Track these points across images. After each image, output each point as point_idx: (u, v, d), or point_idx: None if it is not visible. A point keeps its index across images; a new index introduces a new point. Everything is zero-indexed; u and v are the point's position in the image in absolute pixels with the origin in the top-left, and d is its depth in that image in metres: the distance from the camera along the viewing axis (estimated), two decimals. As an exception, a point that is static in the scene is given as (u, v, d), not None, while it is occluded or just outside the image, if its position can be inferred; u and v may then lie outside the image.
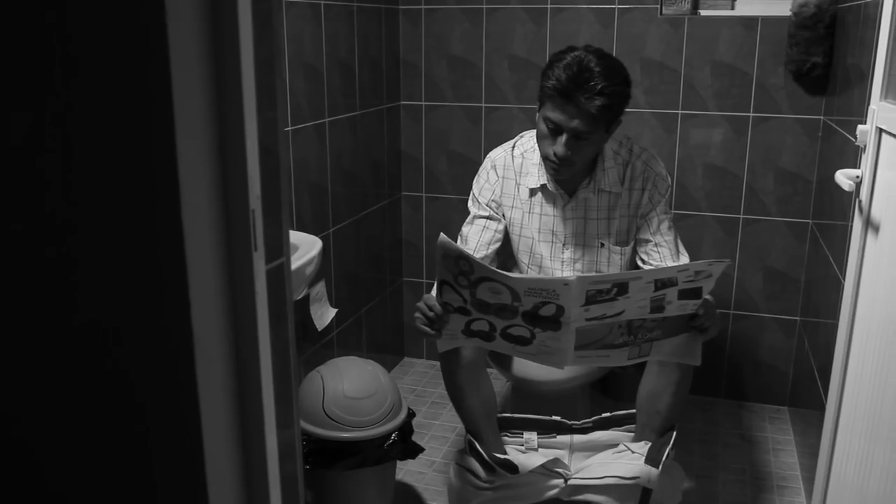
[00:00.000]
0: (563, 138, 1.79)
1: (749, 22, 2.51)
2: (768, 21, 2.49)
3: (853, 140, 1.61)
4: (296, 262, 1.64)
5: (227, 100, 0.70)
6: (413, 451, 1.98)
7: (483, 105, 2.82)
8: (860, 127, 1.55)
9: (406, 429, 1.97)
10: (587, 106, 1.74)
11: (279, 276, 0.80)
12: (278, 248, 0.80)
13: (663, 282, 1.57)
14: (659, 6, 2.58)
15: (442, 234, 1.59)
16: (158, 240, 0.68)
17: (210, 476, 0.74)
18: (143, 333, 0.71)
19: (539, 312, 1.57)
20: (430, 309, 1.69)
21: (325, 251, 2.36)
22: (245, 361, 0.77)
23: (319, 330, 2.37)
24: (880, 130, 1.47)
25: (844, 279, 1.66)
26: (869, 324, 1.49)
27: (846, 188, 1.57)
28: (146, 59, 0.64)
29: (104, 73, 0.66)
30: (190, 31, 0.66)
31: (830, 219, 2.21)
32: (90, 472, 0.77)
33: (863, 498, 1.43)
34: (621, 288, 1.54)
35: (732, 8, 2.58)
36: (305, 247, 1.75)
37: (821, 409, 1.84)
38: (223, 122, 0.70)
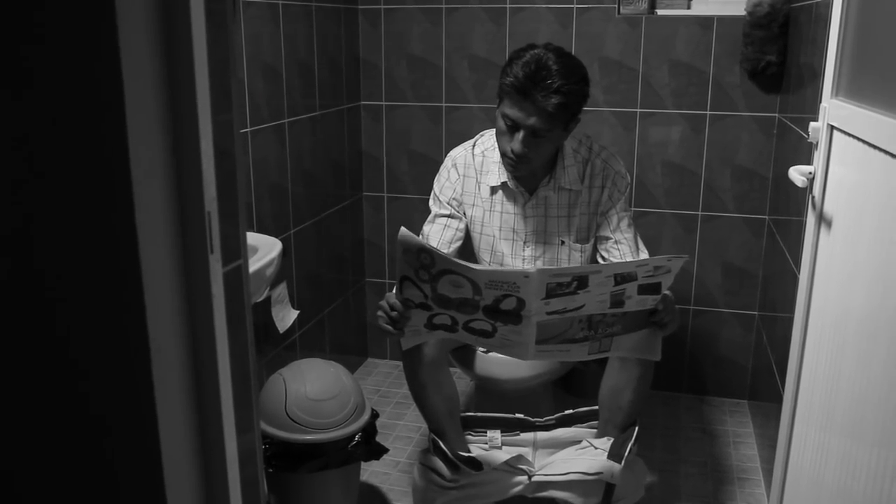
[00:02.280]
0: (521, 135, 1.80)
1: (705, 21, 2.55)
2: (724, 20, 2.53)
3: (807, 137, 1.64)
4: (255, 265, 1.63)
5: (181, 101, 0.69)
6: (377, 451, 1.98)
7: (443, 104, 2.82)
8: (812, 124, 1.58)
9: (370, 430, 1.96)
10: (544, 104, 1.75)
11: (237, 278, 0.79)
12: (236, 251, 0.79)
13: (623, 276, 1.59)
14: (616, 6, 2.60)
15: (403, 227, 1.59)
16: (112, 243, 0.67)
17: (168, 481, 0.73)
18: (98, 338, 0.70)
19: (500, 306, 1.58)
20: (392, 308, 1.69)
21: (286, 253, 2.34)
22: (203, 365, 0.76)
23: (281, 332, 2.36)
24: (831, 127, 1.50)
25: (800, 274, 1.69)
26: (823, 317, 1.52)
27: (799, 184, 1.60)
28: (95, 60, 0.63)
29: (51, 75, 0.65)
30: (141, 32, 0.65)
31: (786, 215, 2.25)
32: (46, 479, 0.76)
33: (819, 487, 1.46)
34: (581, 281, 1.55)
35: (688, 7, 2.61)
36: (265, 248, 1.74)
37: (779, 401, 1.87)
38: (177, 124, 0.69)
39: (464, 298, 1.59)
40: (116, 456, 0.74)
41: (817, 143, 1.56)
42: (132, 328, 0.68)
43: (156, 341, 0.69)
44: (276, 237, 2.17)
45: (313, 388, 1.90)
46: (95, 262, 0.68)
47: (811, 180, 1.60)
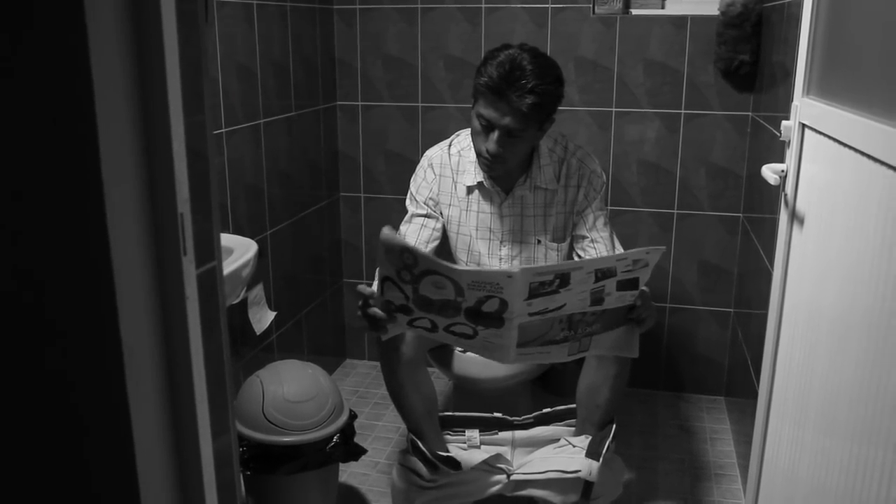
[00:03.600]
0: (496, 135, 1.80)
1: (679, 21, 2.57)
2: (697, 20, 2.55)
3: (779, 135, 1.66)
4: (230, 266, 1.62)
5: (153, 102, 0.68)
6: (356, 452, 1.97)
7: (420, 104, 2.82)
8: (784, 122, 1.59)
9: (348, 431, 1.96)
10: (518, 104, 1.75)
11: (211, 279, 0.79)
12: (209, 252, 0.79)
13: (603, 272, 1.59)
14: (591, 5, 2.61)
15: (385, 227, 1.59)
16: (82, 245, 0.66)
17: (143, 484, 0.73)
18: (70, 341, 0.70)
19: (482, 308, 1.58)
20: (370, 306, 1.68)
21: (262, 254, 2.33)
22: (177, 367, 0.75)
23: (258, 334, 2.34)
24: (803, 126, 1.51)
25: (773, 271, 1.71)
26: (796, 314, 1.54)
27: (772, 182, 1.62)
28: (65, 61, 0.63)
29: (18, 74, 0.64)
30: (111, 32, 0.64)
31: (759, 212, 2.27)
32: (19, 483, 0.75)
33: (794, 482, 1.47)
34: (563, 279, 1.55)
35: (663, 7, 2.63)
36: (240, 250, 1.73)
37: (755, 397, 1.89)
38: (149, 125, 0.69)
39: (446, 300, 1.58)
40: (90, 459, 0.73)
41: (789, 141, 1.58)
42: (104, 331, 0.68)
43: (128, 344, 0.69)
44: (253, 238, 2.15)
45: (291, 389, 1.89)
46: (66, 264, 0.68)
47: (783, 178, 1.61)
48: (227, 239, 1.81)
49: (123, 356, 0.68)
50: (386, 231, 1.57)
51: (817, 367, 1.35)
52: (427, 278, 1.57)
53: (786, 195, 1.60)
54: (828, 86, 1.43)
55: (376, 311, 1.66)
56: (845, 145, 1.23)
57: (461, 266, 1.54)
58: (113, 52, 0.65)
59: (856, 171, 1.18)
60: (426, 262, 1.56)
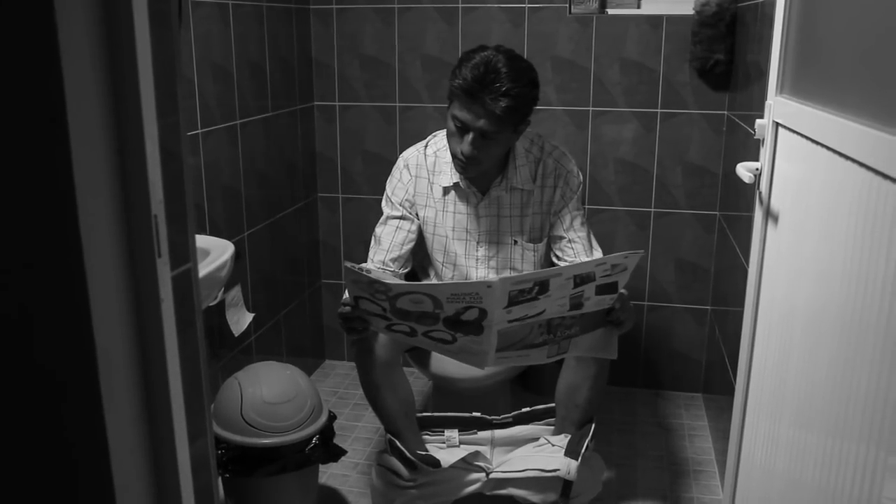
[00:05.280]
0: (470, 137, 1.80)
1: (654, 20, 2.58)
2: (673, 19, 2.57)
3: (754, 134, 1.67)
4: (207, 268, 1.60)
5: (126, 103, 0.68)
6: (335, 454, 1.97)
7: (397, 104, 2.82)
8: (758, 121, 1.60)
9: (327, 432, 1.95)
10: (492, 107, 1.76)
11: (186, 281, 0.78)
12: (184, 254, 0.78)
13: (582, 277, 1.59)
14: (568, 5, 2.62)
15: (347, 262, 1.58)
16: (55, 248, 0.66)
17: (119, 490, 0.72)
18: (43, 345, 0.69)
19: (461, 318, 1.57)
20: (349, 313, 1.68)
21: (239, 255, 2.31)
22: (153, 371, 0.75)
23: (236, 335, 2.33)
24: (777, 124, 1.53)
25: (749, 269, 1.72)
26: (772, 311, 1.55)
27: (746, 180, 1.63)
28: (35, 62, 0.62)
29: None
30: (82, 33, 0.64)
31: (735, 210, 2.29)
32: (-10, 492, 0.74)
33: (770, 477, 1.49)
34: (542, 287, 1.55)
35: (638, 7, 2.64)
36: (217, 251, 1.72)
37: (732, 394, 1.90)
38: (122, 127, 0.68)
39: (424, 312, 1.58)
40: (64, 463, 0.72)
41: (763, 139, 1.59)
42: (78, 334, 0.67)
43: (103, 347, 0.68)
44: (230, 240, 2.14)
45: (269, 391, 1.88)
46: (38, 267, 0.67)
47: (758, 176, 1.63)
48: (203, 240, 1.80)
49: (97, 360, 0.68)
50: (348, 266, 1.55)
51: (792, 364, 1.36)
52: (404, 297, 1.56)
53: (760, 193, 1.62)
54: (801, 84, 1.44)
55: (347, 309, 1.66)
56: (818, 143, 1.24)
57: (439, 276, 1.54)
58: (84, 53, 0.64)
59: (829, 169, 1.19)
60: (399, 288, 1.56)
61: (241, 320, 2.34)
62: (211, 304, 2.18)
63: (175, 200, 0.75)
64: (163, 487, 0.78)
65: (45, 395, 0.70)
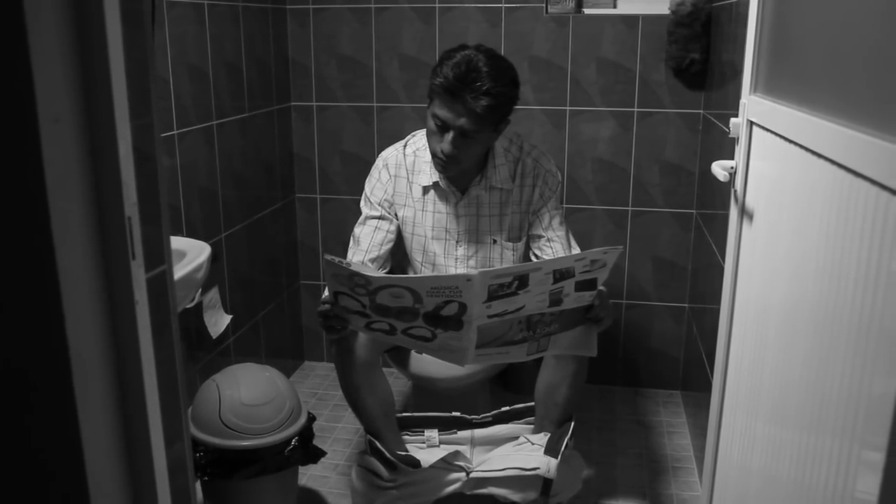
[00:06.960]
0: (450, 136, 1.81)
1: (630, 20, 2.59)
2: (648, 19, 2.58)
3: (729, 132, 1.68)
4: (183, 269, 1.59)
5: (98, 104, 0.67)
6: (315, 455, 1.96)
7: (375, 104, 2.82)
8: (733, 120, 1.62)
9: (307, 433, 1.94)
10: (473, 105, 1.76)
11: (161, 284, 0.77)
12: (159, 256, 0.78)
13: (561, 273, 1.60)
14: (544, 5, 2.63)
15: (327, 254, 1.57)
16: (26, 251, 0.65)
17: (94, 495, 0.71)
18: (14, 348, 0.68)
19: (441, 312, 1.57)
20: (329, 310, 1.68)
21: (217, 257, 2.30)
22: (127, 374, 0.74)
23: (214, 337, 2.32)
24: (751, 123, 1.54)
25: (725, 267, 1.73)
26: (747, 308, 1.56)
27: (721, 179, 1.64)
28: (4, 63, 0.61)
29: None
30: (52, 33, 0.63)
31: (711, 209, 2.31)
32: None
33: (747, 472, 1.50)
34: (522, 281, 1.56)
35: (615, 6, 2.65)
36: (193, 252, 1.70)
37: (709, 391, 1.92)
38: (94, 127, 0.68)
39: (403, 307, 1.58)
40: (37, 468, 0.71)
41: (738, 138, 1.60)
42: (50, 337, 0.66)
43: (76, 350, 0.67)
44: (207, 241, 2.13)
45: (248, 393, 1.87)
46: (9, 270, 0.66)
47: (733, 175, 1.64)
48: (180, 242, 1.78)
49: (71, 363, 0.67)
50: (329, 258, 1.55)
51: (768, 360, 1.38)
52: (384, 291, 1.56)
53: (735, 191, 1.63)
54: (775, 83, 1.46)
55: (327, 307, 1.65)
56: (792, 142, 1.25)
57: (418, 275, 1.54)
58: (55, 54, 0.63)
59: (802, 167, 1.20)
60: (379, 281, 1.56)
61: (219, 322, 2.33)
62: (188, 306, 2.16)
63: (149, 202, 0.74)
64: (139, 491, 0.77)
65: (17, 399, 0.69)
